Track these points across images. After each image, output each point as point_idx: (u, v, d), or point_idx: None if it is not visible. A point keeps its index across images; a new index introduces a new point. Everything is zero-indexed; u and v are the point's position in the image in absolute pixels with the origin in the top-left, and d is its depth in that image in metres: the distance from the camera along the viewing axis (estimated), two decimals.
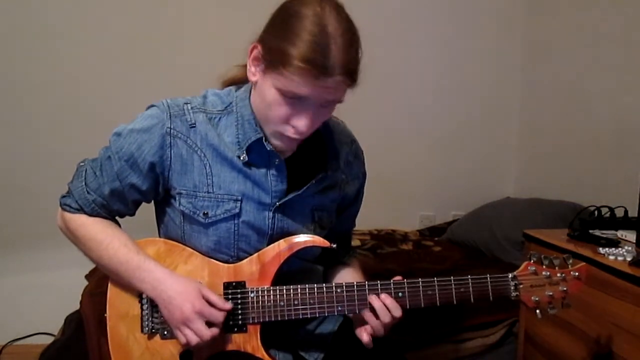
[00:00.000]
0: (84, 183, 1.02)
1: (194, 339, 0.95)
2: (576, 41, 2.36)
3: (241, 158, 1.00)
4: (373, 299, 0.99)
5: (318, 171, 1.05)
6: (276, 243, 1.02)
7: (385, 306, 0.98)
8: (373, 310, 0.99)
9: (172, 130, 0.99)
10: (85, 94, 2.30)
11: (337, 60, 0.87)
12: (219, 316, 0.96)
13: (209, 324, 0.96)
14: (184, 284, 0.97)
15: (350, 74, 0.90)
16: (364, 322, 1.01)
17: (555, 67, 2.50)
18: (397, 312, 0.99)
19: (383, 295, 0.99)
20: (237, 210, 1.01)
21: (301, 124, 0.92)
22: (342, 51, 0.87)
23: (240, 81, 1.06)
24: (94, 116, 2.27)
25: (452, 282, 1.01)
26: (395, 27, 2.56)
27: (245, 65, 0.98)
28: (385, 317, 0.98)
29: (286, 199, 1.03)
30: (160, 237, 1.11)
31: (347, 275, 1.14)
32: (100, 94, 2.30)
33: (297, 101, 0.90)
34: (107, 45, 2.30)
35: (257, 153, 1.00)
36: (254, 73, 0.95)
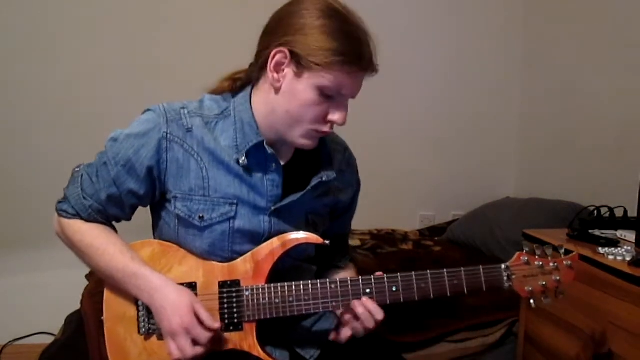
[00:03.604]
0: (80, 189, 1.02)
1: (176, 354, 0.95)
2: (575, 42, 2.35)
3: (240, 162, 1.00)
4: (356, 305, 0.99)
5: (313, 177, 1.05)
6: (270, 241, 1.03)
7: (368, 311, 0.99)
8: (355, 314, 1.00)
9: (168, 135, 0.99)
10: (83, 95, 2.30)
11: (367, 49, 0.94)
12: (204, 337, 0.95)
13: (196, 341, 0.95)
14: (178, 295, 0.96)
15: (375, 65, 0.97)
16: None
17: (555, 68, 2.50)
18: (379, 315, 0.99)
19: (364, 299, 1.00)
20: (232, 214, 1.01)
21: (340, 117, 0.97)
22: (367, 41, 0.95)
23: (226, 91, 1.07)
24: (92, 117, 2.27)
25: (445, 274, 1.02)
26: (395, 28, 2.56)
27: (232, 79, 1.04)
28: (369, 322, 0.99)
29: (283, 203, 1.03)
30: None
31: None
32: (98, 96, 2.30)
33: (334, 97, 0.95)
34: (105, 48, 2.31)
35: (255, 157, 1.01)
36: (277, 79, 0.96)
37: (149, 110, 1.03)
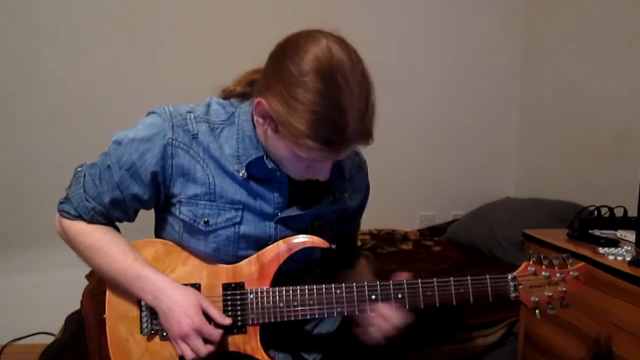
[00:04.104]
0: (82, 190, 1.00)
1: (190, 355, 0.94)
2: (575, 42, 2.35)
3: (240, 174, 0.99)
4: (368, 310, 1.00)
5: (319, 183, 1.04)
6: (275, 244, 1.02)
7: (381, 316, 0.99)
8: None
9: (174, 141, 0.97)
10: (84, 94, 2.29)
11: (354, 131, 0.85)
12: (217, 335, 0.95)
13: (207, 339, 0.95)
14: (184, 295, 0.96)
15: (368, 138, 0.89)
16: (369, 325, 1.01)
17: (555, 68, 2.50)
18: (395, 320, 0.99)
19: (378, 305, 0.99)
20: (238, 219, 1.00)
21: (321, 176, 0.95)
22: (358, 121, 0.85)
23: (237, 96, 1.04)
24: (93, 115, 2.27)
25: (452, 282, 1.01)
26: (394, 28, 2.56)
27: (244, 82, 1.00)
28: (383, 327, 0.99)
29: (290, 214, 1.02)
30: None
31: (354, 277, 1.12)
32: (99, 94, 2.30)
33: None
34: (106, 47, 2.30)
35: (257, 168, 0.99)
36: (262, 124, 0.93)
37: (154, 112, 1.00)
